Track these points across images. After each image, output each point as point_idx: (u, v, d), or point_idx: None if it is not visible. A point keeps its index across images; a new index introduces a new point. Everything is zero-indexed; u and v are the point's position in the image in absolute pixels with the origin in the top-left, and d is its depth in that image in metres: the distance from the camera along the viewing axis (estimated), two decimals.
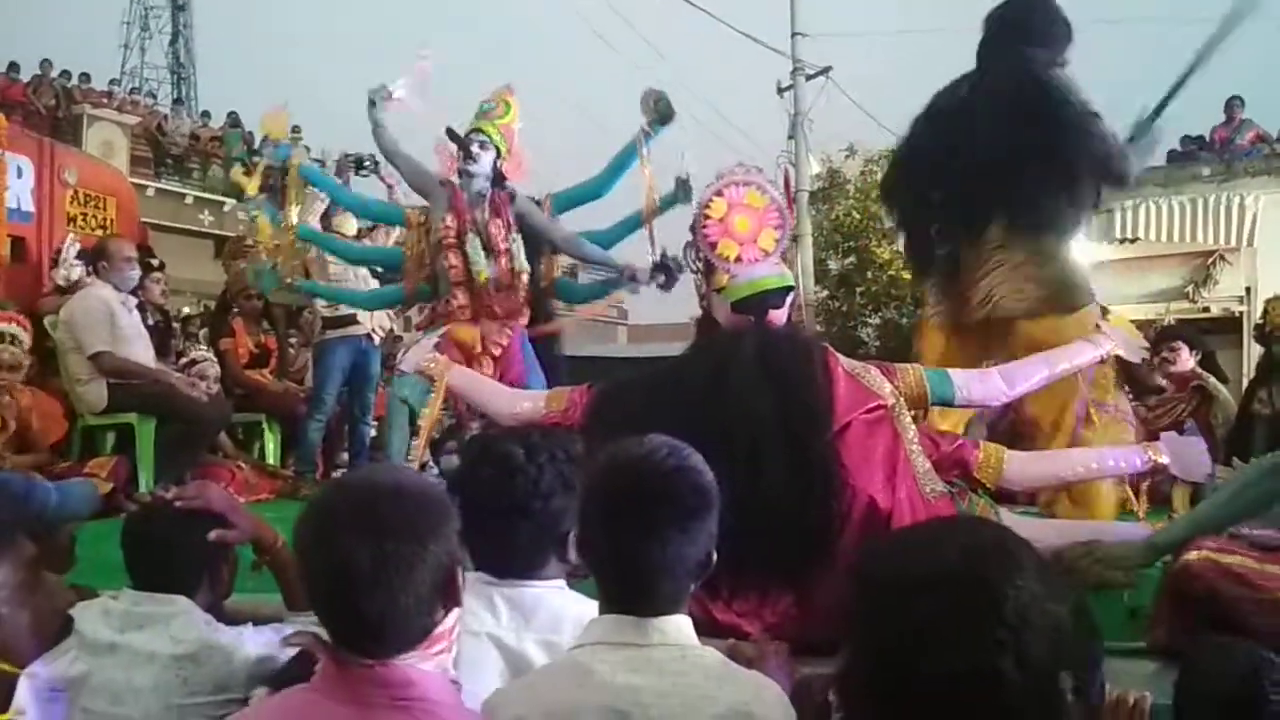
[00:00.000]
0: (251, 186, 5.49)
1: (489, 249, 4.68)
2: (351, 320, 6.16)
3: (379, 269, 6.15)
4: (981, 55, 4.05)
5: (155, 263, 6.38)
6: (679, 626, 1.55)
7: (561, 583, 1.86)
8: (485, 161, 4.75)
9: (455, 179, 4.81)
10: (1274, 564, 2.37)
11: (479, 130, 4.77)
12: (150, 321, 5.83)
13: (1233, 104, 13.63)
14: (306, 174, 5.30)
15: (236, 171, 5.81)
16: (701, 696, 1.46)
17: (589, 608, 1.78)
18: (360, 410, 6.45)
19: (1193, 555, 2.42)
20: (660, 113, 4.90)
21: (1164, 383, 5.80)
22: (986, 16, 4.05)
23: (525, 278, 4.79)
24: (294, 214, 5.31)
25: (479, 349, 4.65)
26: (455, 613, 1.47)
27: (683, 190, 4.78)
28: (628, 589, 1.56)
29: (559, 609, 1.80)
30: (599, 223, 5.33)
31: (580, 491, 1.68)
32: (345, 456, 6.70)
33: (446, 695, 1.45)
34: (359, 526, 1.39)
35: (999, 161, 3.69)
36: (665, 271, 4.73)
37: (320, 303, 6.23)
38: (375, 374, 6.47)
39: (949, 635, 1.05)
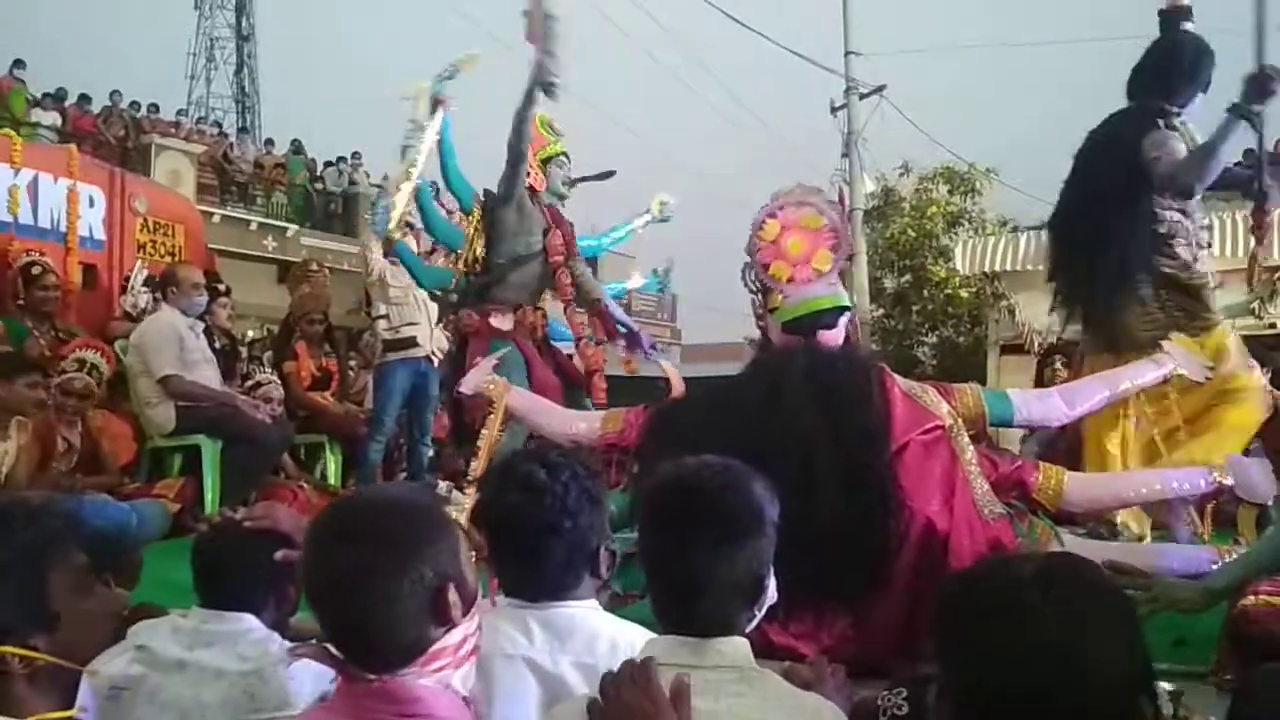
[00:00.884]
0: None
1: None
2: (411, 343, 6.25)
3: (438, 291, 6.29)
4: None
5: (222, 288, 6.53)
6: (737, 648, 1.55)
7: (595, 603, 1.86)
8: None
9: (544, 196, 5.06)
10: None
11: (566, 155, 4.92)
12: (217, 345, 5.96)
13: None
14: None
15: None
16: (759, 719, 1.46)
17: (624, 629, 1.81)
18: (419, 431, 6.53)
19: (1250, 600, 2.38)
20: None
21: None
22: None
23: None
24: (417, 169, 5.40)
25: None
26: (460, 630, 1.47)
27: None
28: (678, 607, 1.57)
29: (594, 630, 1.79)
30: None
31: (639, 510, 1.69)
32: (404, 477, 6.78)
33: (454, 712, 1.46)
34: (343, 536, 1.44)
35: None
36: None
37: (381, 325, 6.33)
38: (434, 395, 6.55)
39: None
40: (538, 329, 5.40)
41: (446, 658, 1.46)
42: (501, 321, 5.15)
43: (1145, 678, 1.12)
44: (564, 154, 4.96)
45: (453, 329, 5.64)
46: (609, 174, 5.71)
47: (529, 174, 5.16)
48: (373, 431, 6.23)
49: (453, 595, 1.46)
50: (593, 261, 5.81)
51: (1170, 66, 4.09)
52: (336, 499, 1.67)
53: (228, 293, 6.62)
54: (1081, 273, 4.15)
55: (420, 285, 6.20)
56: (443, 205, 6.23)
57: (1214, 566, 2.68)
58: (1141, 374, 3.22)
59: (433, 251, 6.74)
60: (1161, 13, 4.16)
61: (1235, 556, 2.70)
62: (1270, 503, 3.11)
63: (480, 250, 5.26)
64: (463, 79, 5.49)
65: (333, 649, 1.47)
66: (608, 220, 6.46)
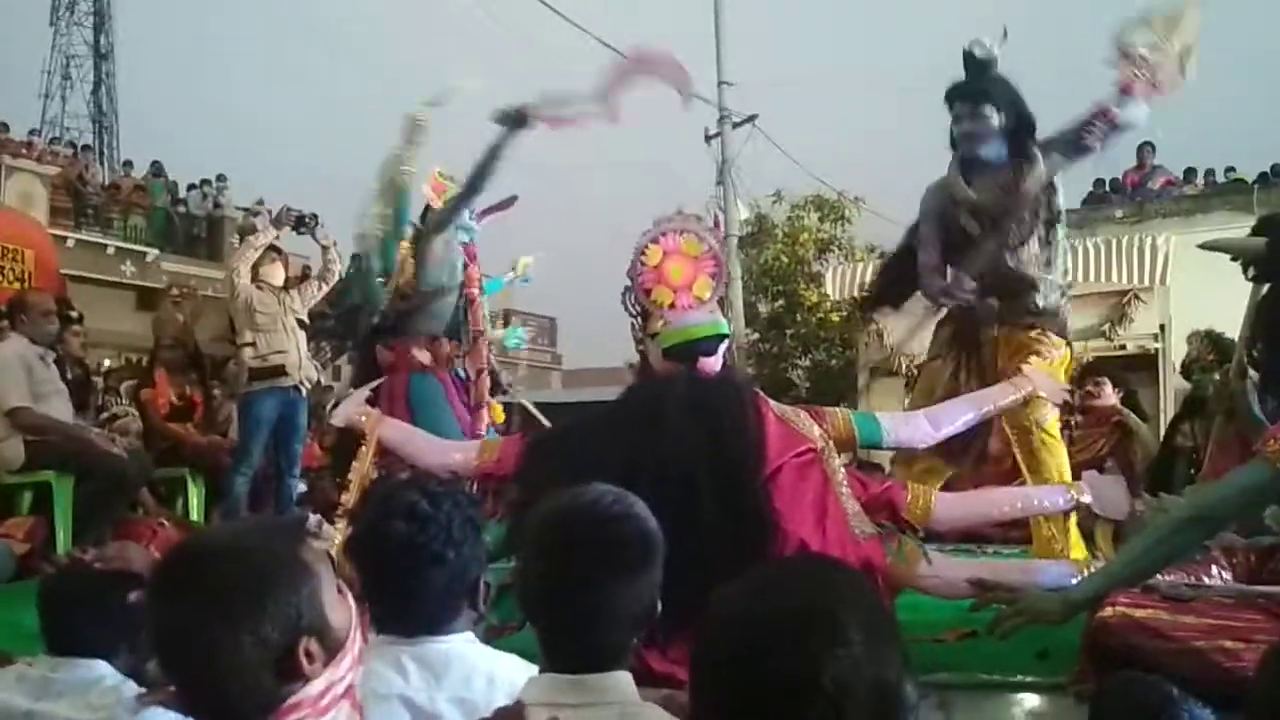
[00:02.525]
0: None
1: None
2: (279, 371, 6.07)
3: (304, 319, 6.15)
4: None
5: (74, 314, 6.24)
6: (618, 683, 1.52)
7: (471, 635, 1.81)
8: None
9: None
10: (1185, 614, 2.45)
11: None
12: (69, 376, 5.68)
13: (1144, 149, 14.19)
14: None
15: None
16: None
17: (502, 662, 1.77)
18: (287, 462, 6.34)
19: (1108, 611, 2.48)
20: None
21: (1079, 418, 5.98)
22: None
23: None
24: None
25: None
26: (323, 679, 1.37)
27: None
28: (570, 643, 1.53)
29: (471, 664, 1.75)
30: None
31: (521, 542, 1.64)
32: (273, 512, 6.57)
33: None
34: (179, 589, 1.35)
35: None
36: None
37: (247, 353, 6.13)
38: (302, 425, 6.38)
39: (771, 705, 1.04)
40: (452, 361, 5.33)
41: (305, 710, 1.36)
42: (421, 355, 5.05)
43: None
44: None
45: (358, 361, 5.45)
46: (512, 200, 5.65)
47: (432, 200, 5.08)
48: (238, 463, 6.01)
49: (311, 646, 1.35)
50: None
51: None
52: (179, 544, 1.56)
53: (80, 320, 6.33)
54: None
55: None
56: (318, 241, 6.16)
57: (1074, 581, 2.79)
58: (1002, 396, 3.35)
59: (304, 278, 6.57)
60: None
61: (1094, 570, 2.82)
62: (1125, 518, 3.25)
63: (410, 276, 5.11)
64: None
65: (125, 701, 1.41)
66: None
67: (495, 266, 6.17)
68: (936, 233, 4.39)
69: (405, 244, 5.15)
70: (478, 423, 5.28)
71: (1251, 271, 3.50)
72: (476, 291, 5.40)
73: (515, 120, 4.47)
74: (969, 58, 4.19)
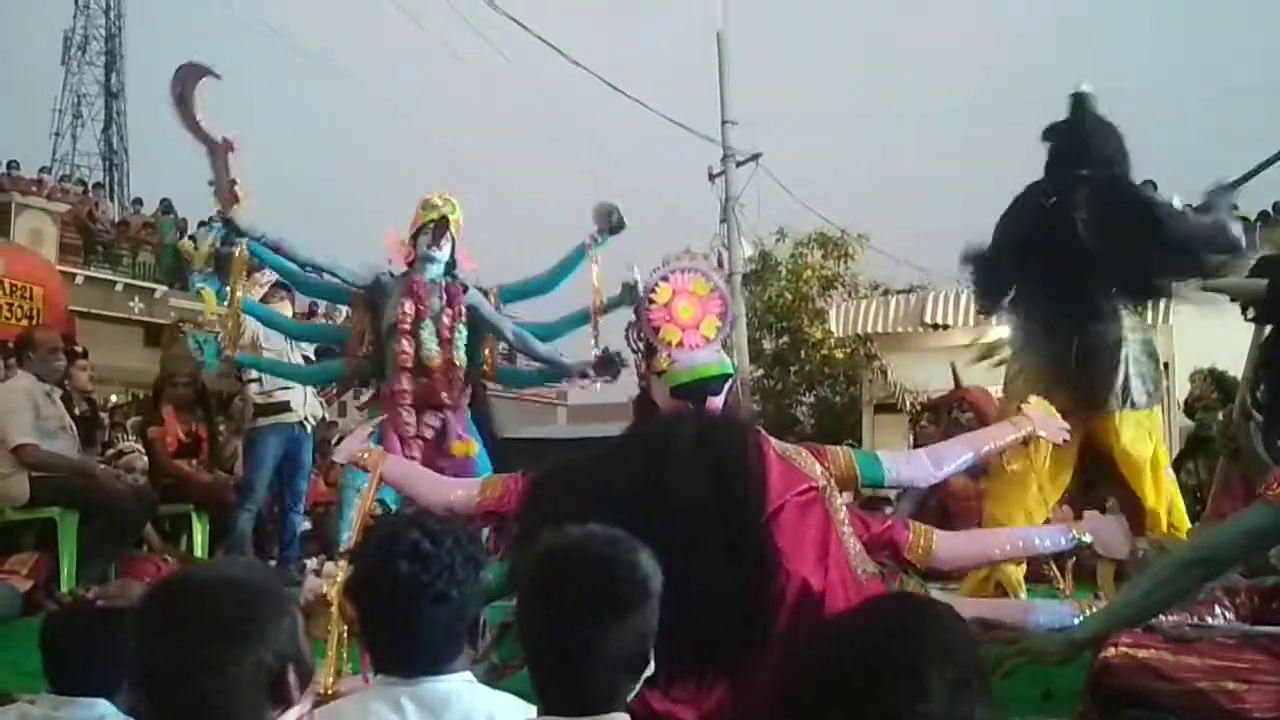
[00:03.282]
0: (199, 257, 5.49)
1: (439, 337, 4.76)
2: (284, 407, 6.10)
3: (314, 353, 6.15)
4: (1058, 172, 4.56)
5: (80, 350, 6.27)
6: None
7: (469, 675, 1.81)
8: (446, 250, 4.89)
9: (409, 268, 4.91)
10: (1188, 655, 2.44)
11: (445, 220, 4.85)
12: (76, 411, 5.71)
13: (1147, 187, 14.22)
14: (255, 250, 5.25)
15: (186, 244, 5.78)
16: None
17: (501, 702, 1.77)
18: (291, 500, 6.36)
19: (1111, 652, 2.47)
20: (613, 224, 5.15)
21: None
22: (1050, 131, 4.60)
23: (462, 371, 4.87)
24: (239, 289, 5.27)
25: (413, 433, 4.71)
26: (295, 711, 1.44)
27: (629, 294, 4.87)
28: (562, 683, 1.53)
29: (470, 704, 1.74)
30: (541, 315, 5.49)
31: (519, 581, 1.66)
32: (278, 549, 6.56)
33: None
34: (177, 621, 1.38)
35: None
36: (609, 366, 4.87)
37: (253, 389, 6.16)
38: (307, 463, 6.39)
39: None
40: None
41: None
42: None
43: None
44: (430, 222, 4.91)
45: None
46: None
47: (405, 258, 5.00)
48: (242, 500, 6.03)
49: (292, 676, 1.42)
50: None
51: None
52: (166, 578, 1.60)
53: (85, 355, 6.36)
54: None
55: (307, 382, 6.09)
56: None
57: (1076, 620, 2.78)
58: (1003, 435, 3.36)
59: (311, 314, 6.60)
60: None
61: (1096, 610, 2.81)
62: (1126, 558, 3.25)
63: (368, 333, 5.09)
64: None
65: None
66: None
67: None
68: None
69: (356, 306, 5.17)
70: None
71: (1252, 312, 3.52)
72: (405, 326, 4.97)
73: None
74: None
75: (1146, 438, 4.34)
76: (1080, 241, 4.25)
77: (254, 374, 6.04)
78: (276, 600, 1.47)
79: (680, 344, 3.07)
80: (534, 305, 5.51)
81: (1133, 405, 4.29)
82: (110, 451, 5.92)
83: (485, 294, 5.11)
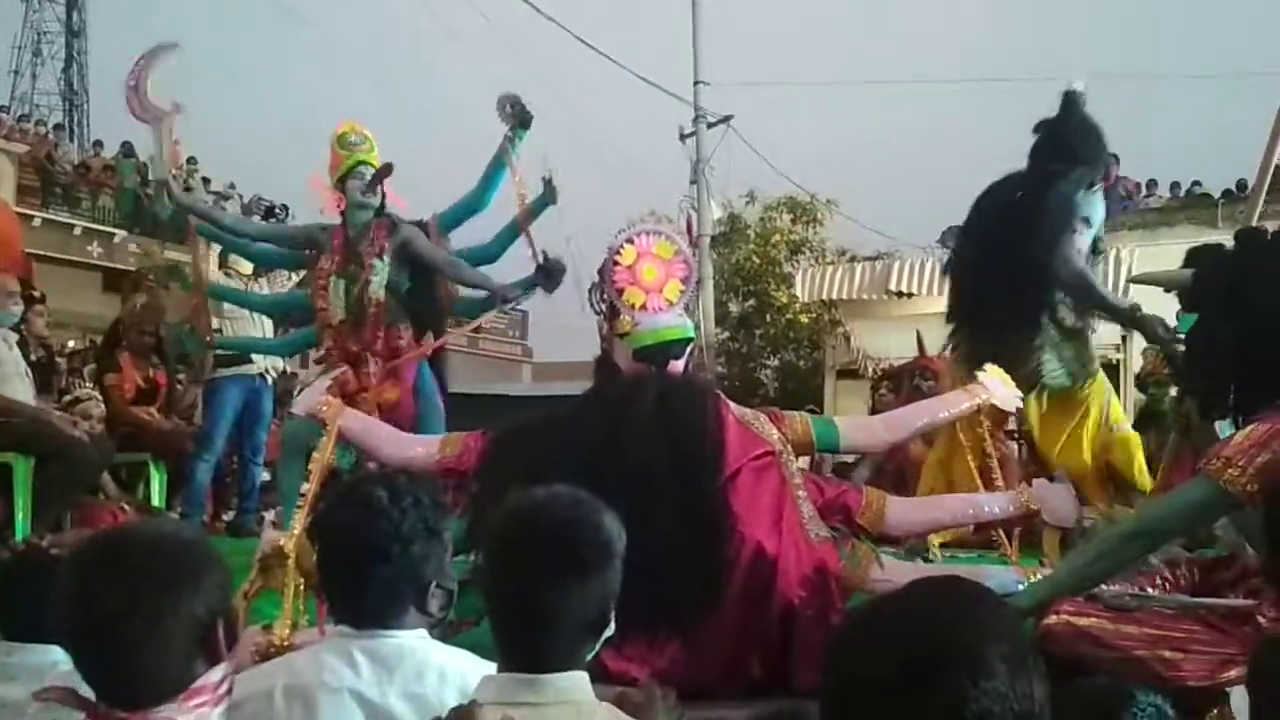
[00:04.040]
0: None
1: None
2: (245, 359, 6.04)
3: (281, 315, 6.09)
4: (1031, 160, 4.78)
5: (37, 294, 6.17)
6: (575, 683, 1.54)
7: (423, 631, 1.80)
8: (378, 196, 4.67)
9: (338, 219, 4.74)
10: (1127, 624, 2.51)
11: (365, 163, 4.66)
12: (33, 357, 5.63)
13: (1109, 162, 14.35)
14: (203, 231, 5.23)
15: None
16: None
17: (455, 657, 1.78)
18: (251, 451, 6.32)
19: (1052, 619, 2.54)
20: (519, 117, 4.80)
21: None
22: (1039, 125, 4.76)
23: (375, 308, 4.62)
24: (207, 266, 5.18)
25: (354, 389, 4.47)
26: (221, 668, 1.46)
27: (550, 191, 4.73)
28: (525, 642, 1.54)
29: (423, 659, 1.74)
30: (481, 236, 5.23)
31: (481, 541, 1.66)
32: (236, 499, 6.53)
33: None
34: (108, 571, 1.40)
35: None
36: (547, 274, 4.63)
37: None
38: (268, 414, 6.34)
39: None
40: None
41: (206, 695, 1.43)
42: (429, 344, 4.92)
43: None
44: (359, 163, 4.76)
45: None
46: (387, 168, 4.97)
47: (336, 205, 4.83)
48: (200, 450, 5.98)
49: (220, 631, 1.44)
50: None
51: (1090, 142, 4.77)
52: (103, 533, 1.61)
53: (43, 299, 6.27)
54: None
55: (283, 353, 6.09)
56: None
57: (1020, 587, 2.85)
58: (957, 404, 3.41)
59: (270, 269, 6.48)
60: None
61: (1040, 577, 2.88)
62: (1072, 526, 3.32)
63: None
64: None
65: (82, 689, 1.42)
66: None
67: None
68: None
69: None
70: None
71: (1186, 301, 3.58)
72: (322, 281, 4.87)
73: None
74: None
75: (1067, 415, 4.68)
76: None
77: (215, 324, 5.95)
78: (209, 555, 1.49)
79: (644, 307, 3.09)
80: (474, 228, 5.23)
81: (1044, 386, 4.62)
82: (67, 398, 5.83)
83: (423, 226, 4.90)
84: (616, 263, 3.14)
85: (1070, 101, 4.71)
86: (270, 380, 6.27)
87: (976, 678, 1.01)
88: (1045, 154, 4.70)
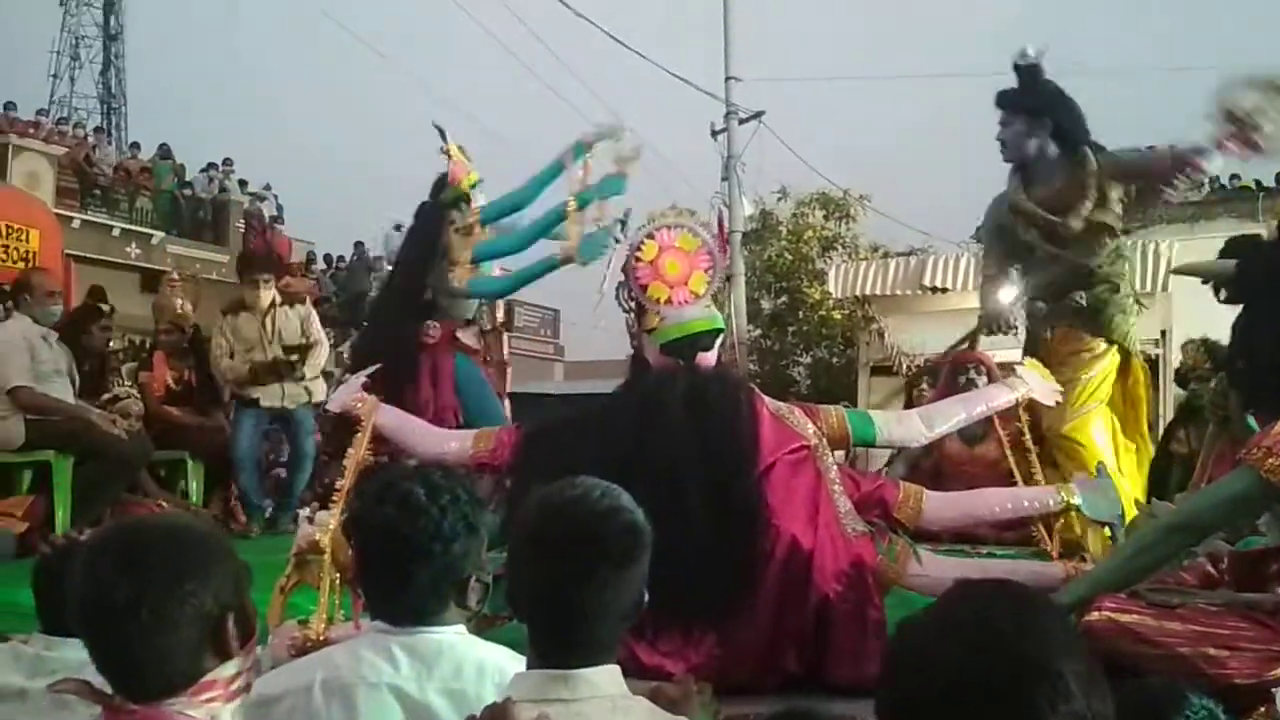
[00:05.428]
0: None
1: None
2: (255, 402, 6.03)
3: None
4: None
5: (105, 308, 6.15)
6: (609, 677, 1.52)
7: (461, 627, 1.80)
8: None
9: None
10: (1171, 620, 2.47)
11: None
12: (87, 367, 5.70)
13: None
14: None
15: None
16: None
17: (492, 652, 1.77)
18: (292, 481, 6.34)
19: (1094, 616, 2.50)
20: (605, 139, 4.75)
21: None
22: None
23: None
24: None
25: None
26: (235, 663, 1.45)
27: (613, 227, 4.50)
28: (561, 636, 1.53)
29: (461, 655, 1.74)
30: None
31: (512, 536, 1.63)
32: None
33: None
34: (117, 561, 1.40)
35: None
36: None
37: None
38: (306, 452, 6.26)
39: None
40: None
41: (218, 690, 1.43)
42: (467, 338, 5.04)
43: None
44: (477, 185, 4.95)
45: (391, 336, 4.99)
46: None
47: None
48: (236, 471, 6.06)
49: (231, 626, 1.43)
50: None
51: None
52: (116, 526, 1.62)
53: (110, 312, 6.23)
54: None
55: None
56: None
57: (1062, 582, 2.81)
58: (996, 397, 3.37)
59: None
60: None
61: (1082, 574, 2.83)
62: (1114, 521, 3.27)
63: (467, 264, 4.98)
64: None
65: (96, 681, 1.42)
66: None
67: None
68: (997, 246, 4.58)
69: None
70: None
71: (1224, 294, 3.49)
72: None
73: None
74: (1014, 67, 4.37)
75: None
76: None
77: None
78: (220, 549, 1.49)
79: (669, 301, 3.07)
80: None
81: None
82: (105, 397, 5.90)
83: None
84: (638, 259, 3.13)
85: (1031, 73, 4.40)
86: (300, 411, 6.18)
87: (1056, 701, 0.98)
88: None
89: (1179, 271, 3.78)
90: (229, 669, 1.44)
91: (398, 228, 4.92)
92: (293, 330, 6.14)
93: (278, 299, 6.18)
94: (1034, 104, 4.32)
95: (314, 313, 6.43)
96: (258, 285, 6.08)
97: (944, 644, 1.07)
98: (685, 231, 3.15)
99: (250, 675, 1.50)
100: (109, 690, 1.43)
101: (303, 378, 6.09)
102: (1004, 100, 4.38)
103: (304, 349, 6.09)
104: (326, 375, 7.04)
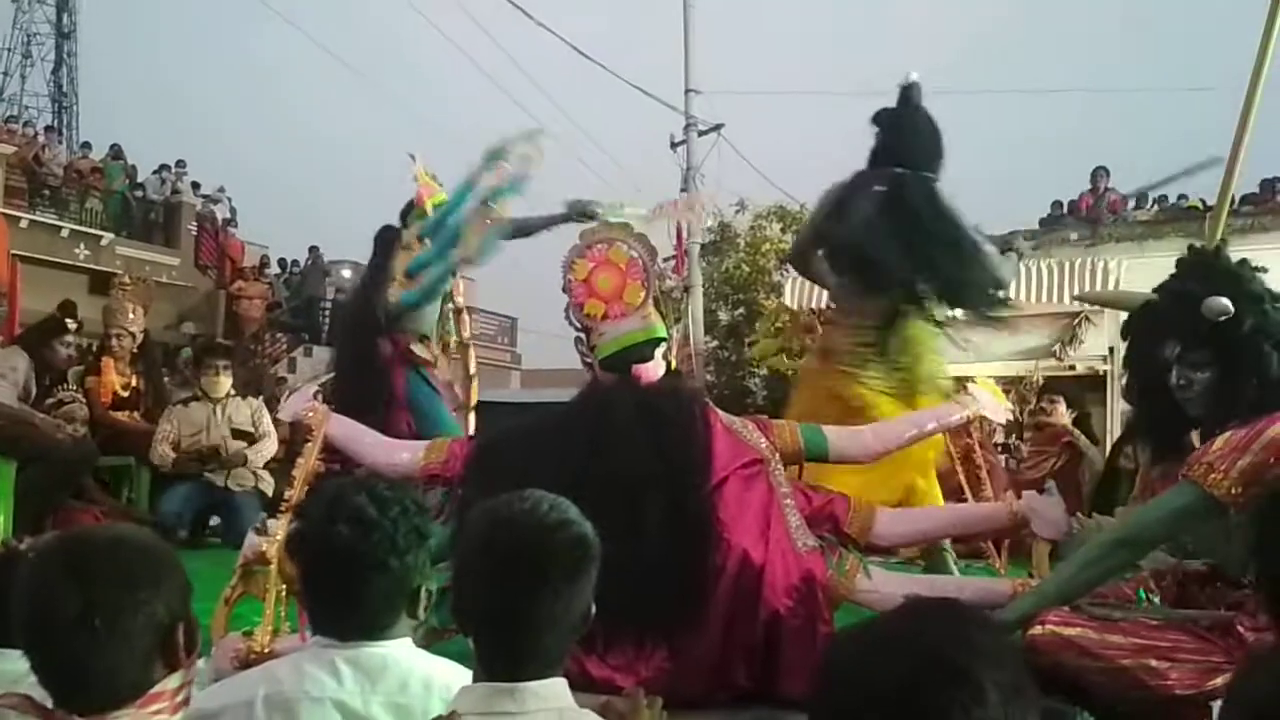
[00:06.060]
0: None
1: None
2: (199, 477, 5.95)
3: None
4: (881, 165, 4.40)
5: (71, 324, 5.92)
6: (555, 691, 1.52)
7: (408, 640, 1.79)
8: None
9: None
10: (1113, 634, 2.50)
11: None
12: (46, 381, 5.60)
13: (1098, 174, 14.43)
14: None
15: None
16: None
17: (439, 666, 1.76)
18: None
19: (1037, 630, 2.53)
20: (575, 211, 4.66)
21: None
22: (877, 119, 4.44)
23: None
24: None
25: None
26: (180, 675, 1.45)
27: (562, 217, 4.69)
28: (509, 649, 1.51)
29: (407, 668, 1.72)
30: None
31: (459, 549, 1.62)
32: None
33: None
34: (68, 572, 1.39)
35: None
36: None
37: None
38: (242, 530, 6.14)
39: None
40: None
41: (164, 701, 1.42)
42: (421, 351, 5.00)
43: None
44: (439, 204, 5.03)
45: (351, 352, 5.13)
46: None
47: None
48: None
49: (180, 636, 1.44)
50: None
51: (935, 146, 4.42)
52: (59, 535, 1.60)
53: (77, 329, 6.02)
54: None
55: None
56: None
57: (1008, 599, 2.84)
58: (947, 415, 3.41)
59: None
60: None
61: (1028, 590, 2.86)
62: (1062, 539, 3.31)
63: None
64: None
65: (36, 695, 1.41)
66: None
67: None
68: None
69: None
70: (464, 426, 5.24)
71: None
72: (463, 301, 5.42)
73: (580, 215, 4.45)
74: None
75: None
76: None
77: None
78: (169, 559, 1.49)
79: (605, 316, 3.08)
80: None
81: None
82: (49, 401, 5.77)
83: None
84: (572, 279, 3.14)
85: (905, 95, 4.44)
86: (239, 498, 5.97)
87: (971, 708, 0.99)
88: (888, 153, 4.38)
89: (1084, 299, 3.77)
90: (174, 680, 1.44)
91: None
92: (243, 418, 6.14)
93: (232, 391, 6.20)
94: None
95: (265, 409, 6.36)
96: (217, 372, 6.11)
97: (866, 649, 1.10)
98: (617, 245, 3.16)
99: (191, 688, 1.48)
100: (48, 704, 1.40)
101: (245, 462, 6.01)
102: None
103: (252, 438, 6.07)
104: (280, 382, 6.97)
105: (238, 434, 6.04)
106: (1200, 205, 14.50)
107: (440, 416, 4.77)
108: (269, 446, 6.18)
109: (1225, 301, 2.53)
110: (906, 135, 4.32)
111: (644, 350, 3.07)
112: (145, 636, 1.39)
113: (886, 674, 1.04)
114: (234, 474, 5.99)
